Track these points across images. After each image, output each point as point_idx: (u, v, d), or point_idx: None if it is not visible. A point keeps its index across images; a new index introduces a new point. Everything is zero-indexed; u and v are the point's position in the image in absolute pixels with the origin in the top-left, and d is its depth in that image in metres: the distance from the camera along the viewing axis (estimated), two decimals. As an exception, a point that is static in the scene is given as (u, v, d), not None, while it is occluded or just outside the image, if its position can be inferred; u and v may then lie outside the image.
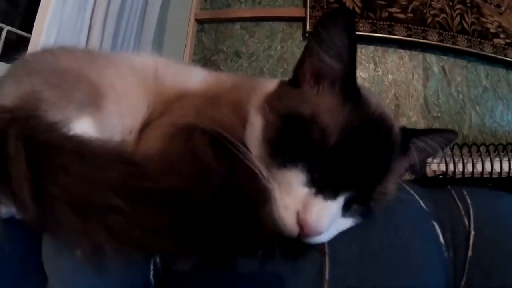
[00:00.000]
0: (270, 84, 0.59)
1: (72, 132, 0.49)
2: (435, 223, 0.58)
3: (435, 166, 0.69)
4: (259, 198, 0.46)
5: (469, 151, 0.71)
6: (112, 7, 1.54)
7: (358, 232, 0.52)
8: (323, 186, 0.48)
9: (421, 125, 1.98)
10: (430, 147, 0.57)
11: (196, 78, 0.70)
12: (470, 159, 0.69)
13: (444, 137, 0.58)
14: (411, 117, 1.99)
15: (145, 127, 0.63)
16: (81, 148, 0.46)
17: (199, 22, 2.11)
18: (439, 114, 2.01)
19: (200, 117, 0.56)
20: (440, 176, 0.68)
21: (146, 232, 0.42)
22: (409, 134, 0.56)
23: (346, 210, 0.51)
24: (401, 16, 2.00)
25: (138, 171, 0.45)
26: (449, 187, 0.67)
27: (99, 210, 0.41)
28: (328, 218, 0.47)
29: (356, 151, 0.49)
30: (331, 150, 0.48)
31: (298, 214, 0.47)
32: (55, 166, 0.43)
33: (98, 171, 0.44)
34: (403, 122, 1.95)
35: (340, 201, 0.49)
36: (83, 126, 0.55)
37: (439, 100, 2.02)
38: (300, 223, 0.46)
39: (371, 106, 0.53)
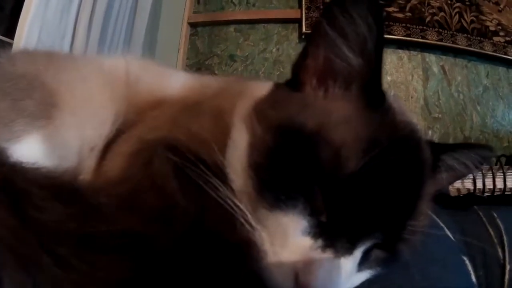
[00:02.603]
0: (263, 87, 0.45)
1: (12, 159, 0.37)
2: (465, 259, 0.45)
3: (458, 183, 0.55)
4: (241, 252, 0.32)
5: (497, 163, 0.57)
6: (98, 10, 1.42)
7: (373, 280, 0.38)
8: (334, 235, 0.33)
9: (422, 126, 1.87)
10: (462, 166, 0.43)
11: (177, 82, 0.57)
12: (501, 173, 0.55)
13: (478, 154, 0.43)
14: (411, 119, 1.88)
15: (114, 140, 0.51)
16: (14, 184, 0.34)
17: (192, 25, 2.02)
18: (440, 115, 1.93)
19: (175, 130, 0.43)
20: (471, 195, 0.54)
21: (100, 286, 0.32)
22: (438, 150, 0.42)
23: (364, 260, 0.36)
24: (399, 15, 1.93)
25: (85, 211, 0.34)
26: (475, 207, 0.53)
27: (41, 263, 0.31)
28: (340, 283, 0.33)
29: (384, 179, 0.34)
30: (350, 179, 0.33)
31: (297, 275, 0.32)
32: None
33: (34, 214, 0.33)
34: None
35: (358, 254, 0.34)
36: (30, 147, 0.45)
37: (440, 100, 1.95)
38: None
39: (396, 115, 0.39)
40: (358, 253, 0.34)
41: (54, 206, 0.33)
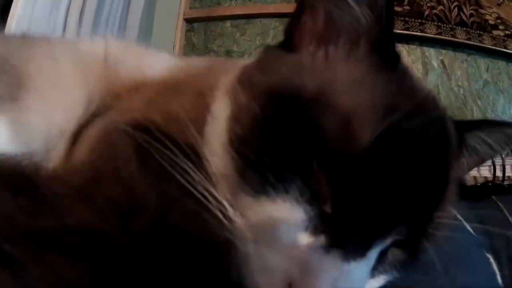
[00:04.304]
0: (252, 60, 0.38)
1: None
2: (489, 256, 0.38)
3: (475, 171, 0.48)
4: (217, 254, 0.24)
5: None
6: (89, 5, 1.35)
7: (388, 286, 0.31)
8: (342, 231, 0.25)
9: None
10: (487, 147, 0.35)
11: (161, 64, 0.51)
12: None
13: (504, 132, 0.36)
14: (411, 113, 1.82)
15: (87, 126, 0.45)
16: None
17: (188, 21, 1.96)
18: (440, 110, 1.85)
19: (150, 111, 0.37)
20: (489, 184, 0.47)
21: None
22: (460, 128, 0.35)
23: (379, 263, 0.28)
24: (398, 9, 1.89)
25: (38, 203, 0.28)
26: (494, 198, 0.47)
27: None
28: None
29: (407, 156, 0.26)
30: (364, 155, 0.25)
31: (290, 285, 0.24)
32: None
33: None
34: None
35: (373, 255, 0.26)
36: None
37: (440, 95, 1.90)
38: None
39: (414, 80, 0.32)
40: (373, 255, 0.26)
41: (5, 198, 0.27)
